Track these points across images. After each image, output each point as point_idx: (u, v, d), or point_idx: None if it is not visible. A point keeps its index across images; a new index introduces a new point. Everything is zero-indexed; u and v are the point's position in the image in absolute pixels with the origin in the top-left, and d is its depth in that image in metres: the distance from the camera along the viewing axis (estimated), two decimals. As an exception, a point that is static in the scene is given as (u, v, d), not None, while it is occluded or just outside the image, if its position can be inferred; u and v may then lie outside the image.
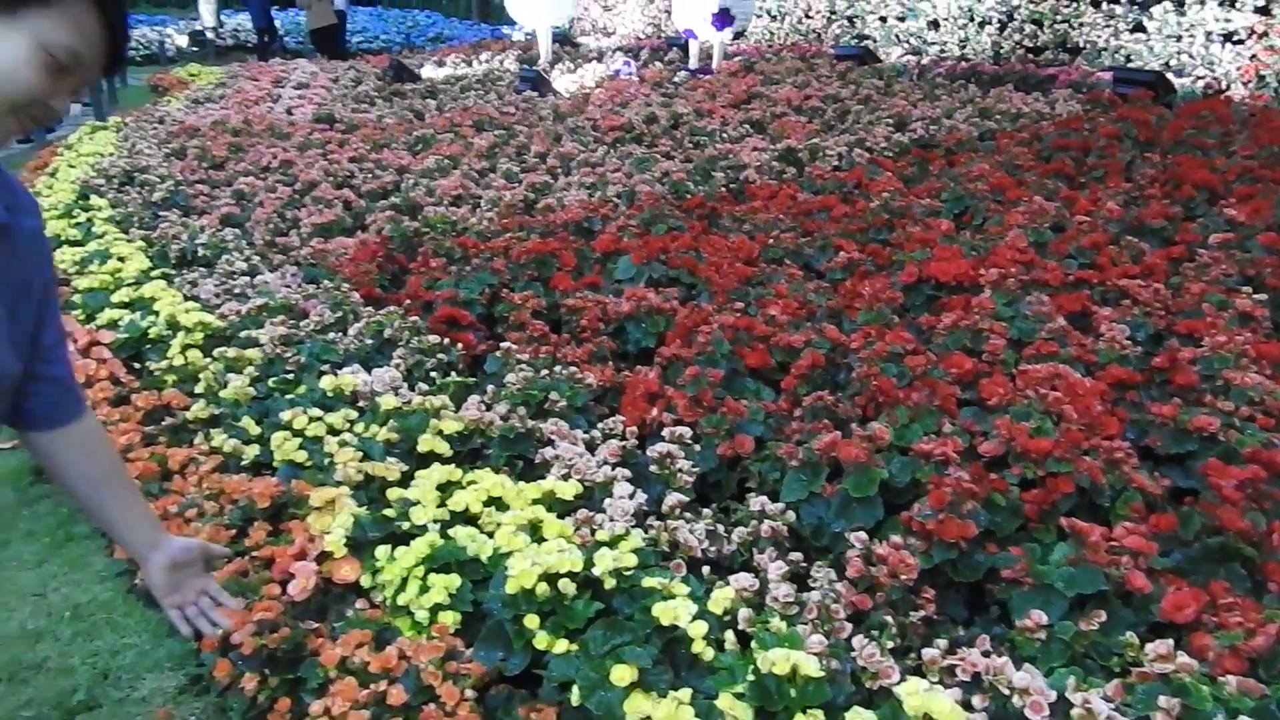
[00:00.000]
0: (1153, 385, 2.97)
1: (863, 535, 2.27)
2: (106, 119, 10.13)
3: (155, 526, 1.56)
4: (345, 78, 12.48)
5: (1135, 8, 9.69)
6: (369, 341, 3.48)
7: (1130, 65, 9.48)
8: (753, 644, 1.94)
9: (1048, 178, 5.29)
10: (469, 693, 1.97)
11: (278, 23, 19.12)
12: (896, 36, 12.07)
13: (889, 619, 2.03)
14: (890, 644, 1.96)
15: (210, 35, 19.81)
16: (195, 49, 19.23)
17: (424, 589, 2.18)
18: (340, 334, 3.57)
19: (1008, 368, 3.01)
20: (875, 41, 12.26)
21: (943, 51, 11.41)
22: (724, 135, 7.39)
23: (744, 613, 2.05)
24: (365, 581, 2.29)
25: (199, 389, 3.24)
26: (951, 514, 2.21)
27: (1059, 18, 10.27)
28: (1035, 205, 4.63)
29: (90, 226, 5.13)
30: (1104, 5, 9.92)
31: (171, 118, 9.24)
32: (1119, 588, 2.04)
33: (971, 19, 11.13)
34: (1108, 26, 9.91)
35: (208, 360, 3.39)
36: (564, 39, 15.11)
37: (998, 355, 3.05)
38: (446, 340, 3.49)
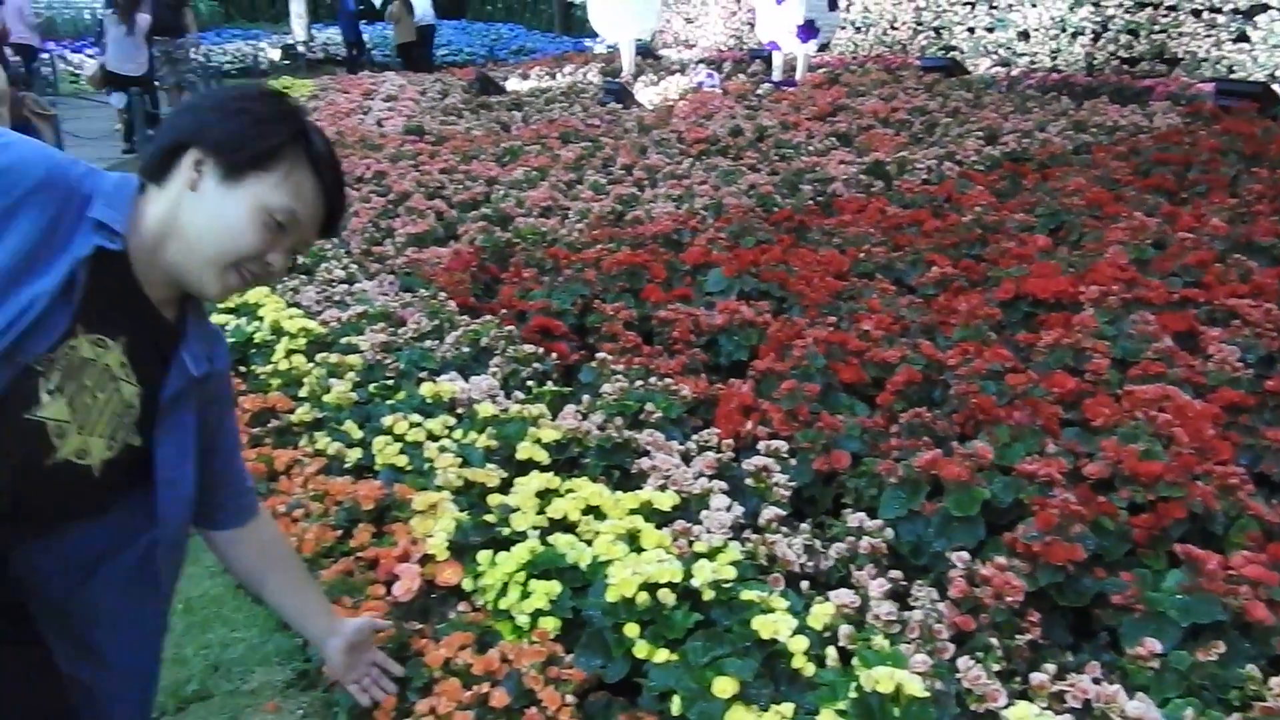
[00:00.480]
0: (1266, 409, 2.88)
1: (964, 555, 2.24)
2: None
3: (330, 615, 1.71)
4: (432, 90, 12.72)
5: (1238, 17, 9.41)
6: (466, 350, 3.54)
7: (1233, 76, 9.22)
8: (854, 661, 1.93)
9: (1147, 192, 5.17)
10: (569, 698, 2.00)
11: (366, 36, 19.59)
12: (985, 48, 11.90)
13: (994, 641, 2.01)
14: (996, 667, 1.94)
15: (301, 49, 20.37)
16: (287, 62, 19.78)
17: (525, 594, 2.21)
18: (437, 342, 3.64)
19: (1112, 388, 2.94)
20: (963, 53, 12.10)
21: (1033, 63, 11.21)
22: (809, 148, 7.37)
23: (845, 629, 2.03)
24: (466, 585, 2.33)
25: (303, 393, 3.33)
26: (1059, 536, 2.17)
27: (1156, 28, 10.03)
28: (1135, 221, 4.52)
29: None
30: (1205, 15, 9.66)
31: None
32: (1237, 618, 1.99)
33: (1064, 29, 10.92)
34: (1208, 36, 9.65)
35: (311, 365, 3.48)
36: (646, 51, 15.19)
37: (1101, 375, 2.99)
38: (541, 350, 3.53)
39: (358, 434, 3.06)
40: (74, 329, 1.15)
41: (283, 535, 1.68)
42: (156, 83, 11.38)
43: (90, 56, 11.47)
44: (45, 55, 14.06)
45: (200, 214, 1.20)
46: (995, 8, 11.82)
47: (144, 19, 10.56)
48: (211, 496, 1.45)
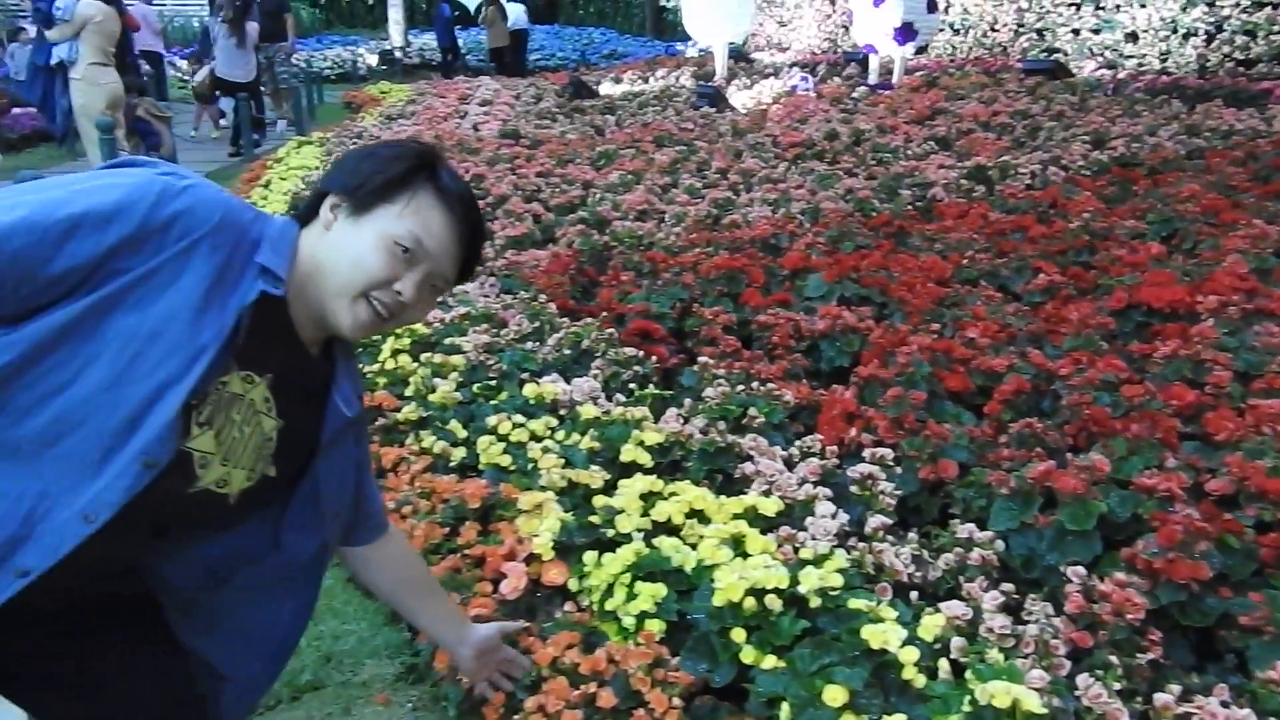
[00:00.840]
0: (1401, 426, 2.75)
1: (1080, 570, 2.18)
2: (308, 134, 10.77)
3: (461, 622, 1.77)
4: (526, 95, 12.89)
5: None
6: (567, 352, 3.57)
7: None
8: (967, 674, 1.89)
9: (1267, 199, 4.98)
10: (676, 701, 2.00)
11: (460, 41, 19.93)
12: (1090, 49, 11.60)
13: (1113, 659, 1.95)
14: (1117, 686, 1.88)
15: (398, 54, 20.79)
16: (384, 67, 20.22)
17: (631, 596, 2.22)
18: (538, 343, 3.68)
19: (1234, 401, 2.84)
20: (1066, 55, 11.81)
21: (1141, 65, 10.89)
22: (907, 152, 7.27)
23: (957, 641, 2.00)
24: (571, 585, 2.35)
25: (408, 392, 3.39)
26: (1182, 553, 2.10)
27: (1276, 28, 9.65)
28: (1255, 229, 4.36)
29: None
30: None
31: (368, 133, 9.73)
32: (1375, 643, 1.90)
33: (1174, 30, 10.59)
34: (1331, 37, 9.27)
35: (415, 365, 3.55)
36: (738, 55, 15.15)
37: (1223, 388, 2.89)
38: (641, 353, 3.55)
39: (462, 433, 3.11)
40: (229, 366, 1.20)
41: (413, 549, 1.72)
42: (261, 88, 11.74)
43: (199, 63, 11.85)
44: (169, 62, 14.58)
45: (331, 249, 1.25)
46: (1102, 9, 11.51)
47: (253, 28, 10.91)
48: (354, 517, 1.52)
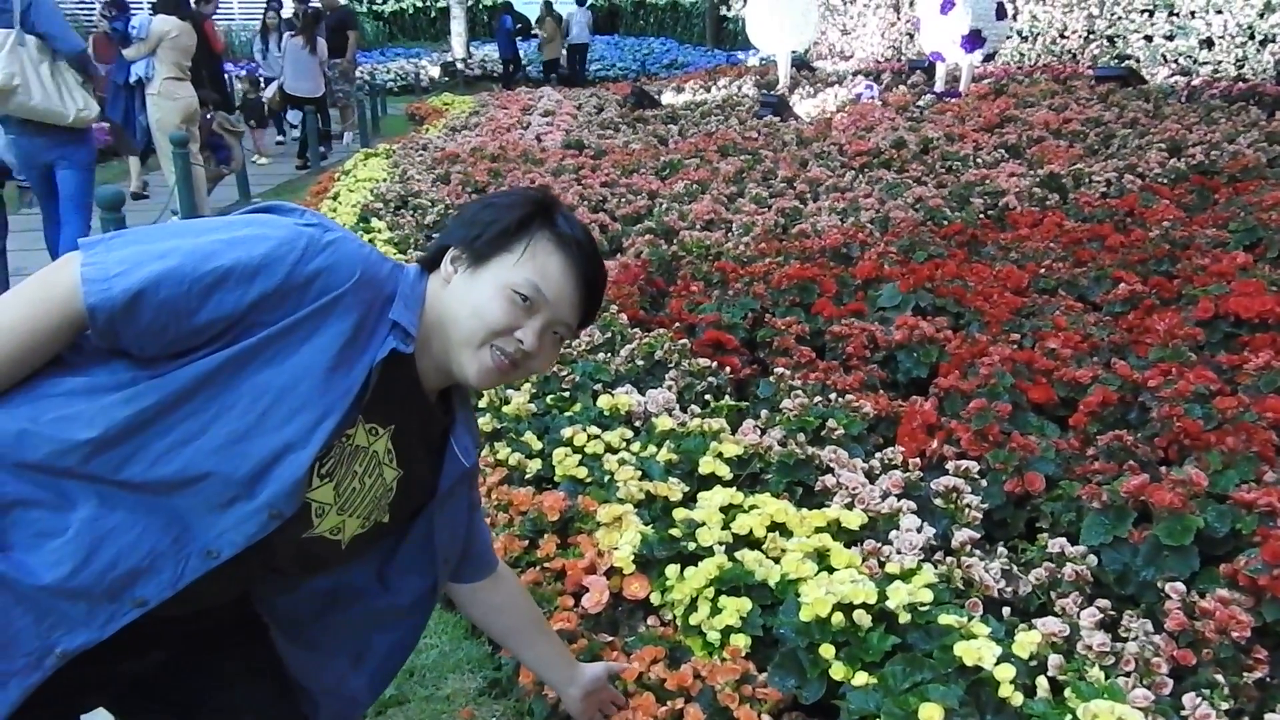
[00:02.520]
0: None
1: (1179, 586, 2.12)
2: (373, 145, 10.93)
3: (569, 663, 1.77)
4: (588, 105, 12.97)
5: None
6: (640, 363, 3.57)
7: None
8: (1066, 692, 1.85)
9: (1356, 206, 4.82)
10: (765, 717, 1.97)
11: (520, 53, 20.11)
12: (1163, 56, 11.35)
13: (1218, 678, 1.89)
14: (1224, 705, 1.82)
15: (460, 66, 21.03)
16: (446, 79, 20.45)
17: (715, 610, 2.20)
18: (610, 354, 3.68)
19: (1333, 414, 2.75)
20: (1139, 61, 11.57)
21: (1216, 71, 10.64)
22: (978, 160, 7.17)
23: (1054, 659, 1.95)
24: (654, 599, 2.34)
25: (482, 404, 3.41)
26: (1288, 571, 2.03)
27: (1356, 32, 9.39)
28: (1346, 237, 4.22)
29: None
30: None
31: (434, 145, 9.85)
32: None
33: (1251, 36, 10.32)
34: None
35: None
36: (801, 63, 15.09)
37: (1321, 400, 2.79)
38: (714, 364, 3.53)
39: (537, 445, 3.11)
40: (355, 420, 1.21)
41: (522, 588, 1.73)
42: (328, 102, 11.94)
43: (254, 84, 12.06)
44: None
45: (453, 301, 1.26)
46: (1175, 14, 11.26)
47: (322, 43, 11.11)
48: (464, 556, 1.54)
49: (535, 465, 3.03)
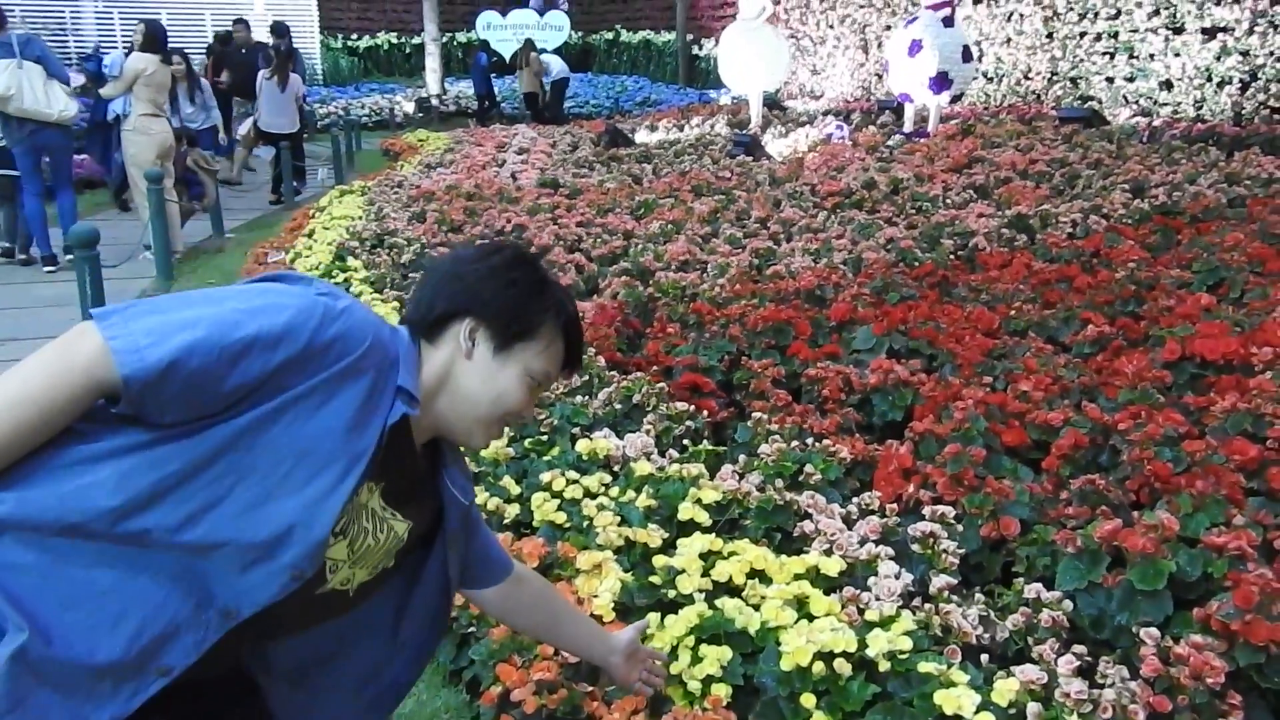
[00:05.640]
0: None
1: (1154, 631, 2.15)
2: (348, 181, 10.93)
3: (604, 638, 1.85)
4: (563, 143, 13.03)
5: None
6: (617, 406, 3.58)
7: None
8: (1044, 742, 1.87)
9: (1315, 249, 4.94)
10: (747, 768, 1.98)
11: (495, 89, 20.20)
12: (1125, 97, 11.59)
13: (1193, 726, 1.92)
14: (1199, 754, 1.85)
15: (435, 102, 21.08)
16: (420, 114, 20.49)
17: (696, 659, 2.21)
18: (587, 397, 3.69)
19: (1298, 457, 2.80)
20: (1101, 102, 11.81)
21: (1175, 112, 10.87)
22: (947, 200, 7.28)
23: (1033, 707, 1.97)
24: (635, 646, 2.34)
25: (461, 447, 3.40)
26: (1260, 614, 2.07)
27: (1311, 76, 9.64)
28: (1306, 279, 4.32)
29: (349, 287, 5.52)
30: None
31: (409, 182, 9.85)
32: None
33: (1209, 79, 10.57)
34: (1368, 83, 9.23)
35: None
36: (772, 102, 15.27)
37: (1287, 443, 2.85)
38: (692, 407, 3.55)
39: (515, 489, 3.11)
40: (368, 479, 1.25)
41: (544, 582, 1.81)
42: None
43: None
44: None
45: (475, 378, 1.33)
46: (1135, 57, 11.52)
47: (295, 79, 11.13)
48: (471, 567, 1.60)
49: (514, 510, 3.03)
